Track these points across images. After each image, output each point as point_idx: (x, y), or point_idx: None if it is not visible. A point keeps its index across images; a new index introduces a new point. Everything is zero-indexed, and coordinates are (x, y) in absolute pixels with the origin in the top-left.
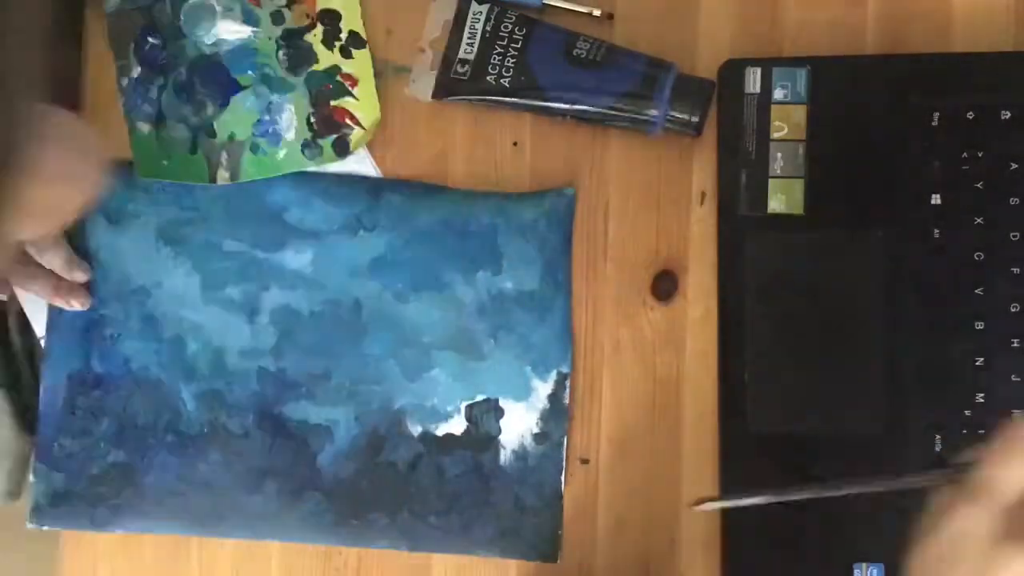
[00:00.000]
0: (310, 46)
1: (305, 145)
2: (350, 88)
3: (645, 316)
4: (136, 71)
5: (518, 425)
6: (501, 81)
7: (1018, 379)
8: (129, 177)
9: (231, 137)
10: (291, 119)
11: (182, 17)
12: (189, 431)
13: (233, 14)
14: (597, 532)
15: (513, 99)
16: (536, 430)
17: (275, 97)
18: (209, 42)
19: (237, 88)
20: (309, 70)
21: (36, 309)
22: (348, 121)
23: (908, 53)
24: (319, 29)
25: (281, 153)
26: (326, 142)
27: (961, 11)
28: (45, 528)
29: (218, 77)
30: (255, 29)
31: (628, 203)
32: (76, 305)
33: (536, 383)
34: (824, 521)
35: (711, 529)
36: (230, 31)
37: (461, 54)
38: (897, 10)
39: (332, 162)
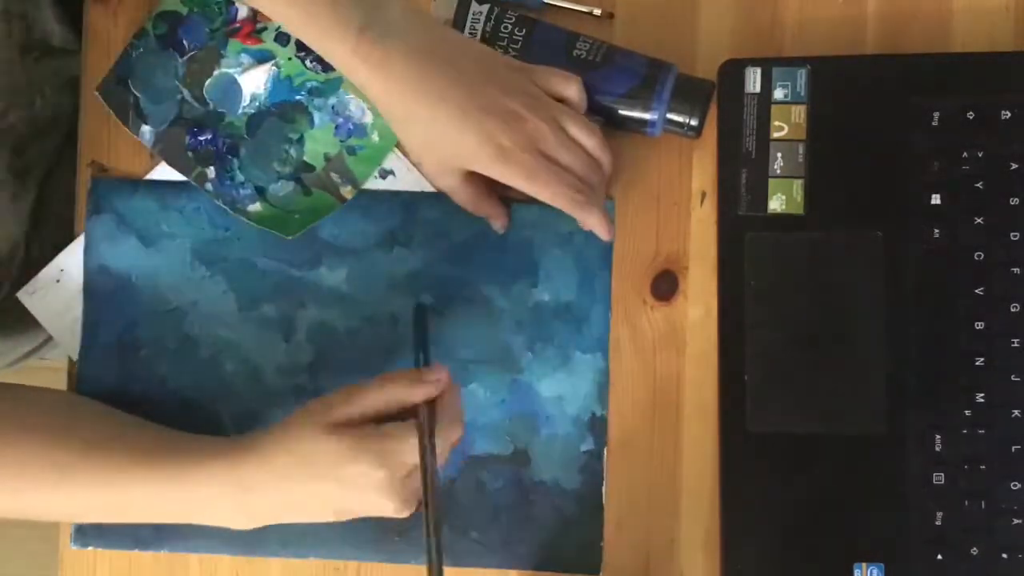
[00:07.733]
0: None
1: None
2: None
3: (645, 316)
4: (211, 172)
5: (557, 437)
6: None
7: (1018, 379)
8: (161, 198)
9: (327, 158)
10: (358, 104)
11: (209, 101)
12: None
13: (247, 65)
14: None
15: None
16: (575, 442)
17: (332, 99)
18: (247, 103)
19: (304, 116)
20: None
21: (67, 332)
22: None
23: (908, 53)
24: None
25: (375, 137)
26: None
27: (961, 11)
28: (89, 549)
29: (276, 124)
30: (273, 60)
31: (628, 203)
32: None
33: (573, 395)
34: (824, 521)
35: (711, 529)
36: (256, 81)
37: None
38: (897, 10)
39: None
